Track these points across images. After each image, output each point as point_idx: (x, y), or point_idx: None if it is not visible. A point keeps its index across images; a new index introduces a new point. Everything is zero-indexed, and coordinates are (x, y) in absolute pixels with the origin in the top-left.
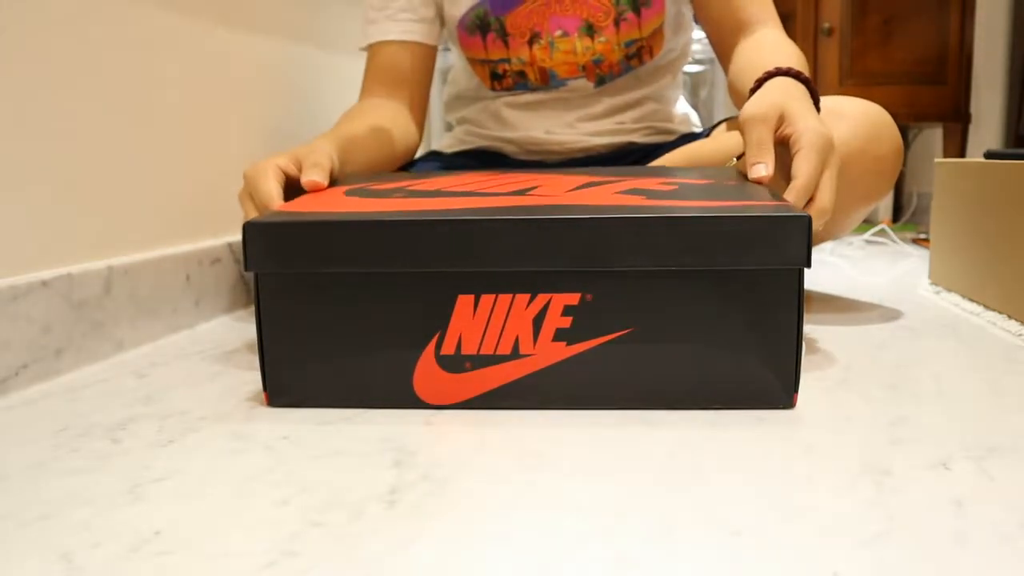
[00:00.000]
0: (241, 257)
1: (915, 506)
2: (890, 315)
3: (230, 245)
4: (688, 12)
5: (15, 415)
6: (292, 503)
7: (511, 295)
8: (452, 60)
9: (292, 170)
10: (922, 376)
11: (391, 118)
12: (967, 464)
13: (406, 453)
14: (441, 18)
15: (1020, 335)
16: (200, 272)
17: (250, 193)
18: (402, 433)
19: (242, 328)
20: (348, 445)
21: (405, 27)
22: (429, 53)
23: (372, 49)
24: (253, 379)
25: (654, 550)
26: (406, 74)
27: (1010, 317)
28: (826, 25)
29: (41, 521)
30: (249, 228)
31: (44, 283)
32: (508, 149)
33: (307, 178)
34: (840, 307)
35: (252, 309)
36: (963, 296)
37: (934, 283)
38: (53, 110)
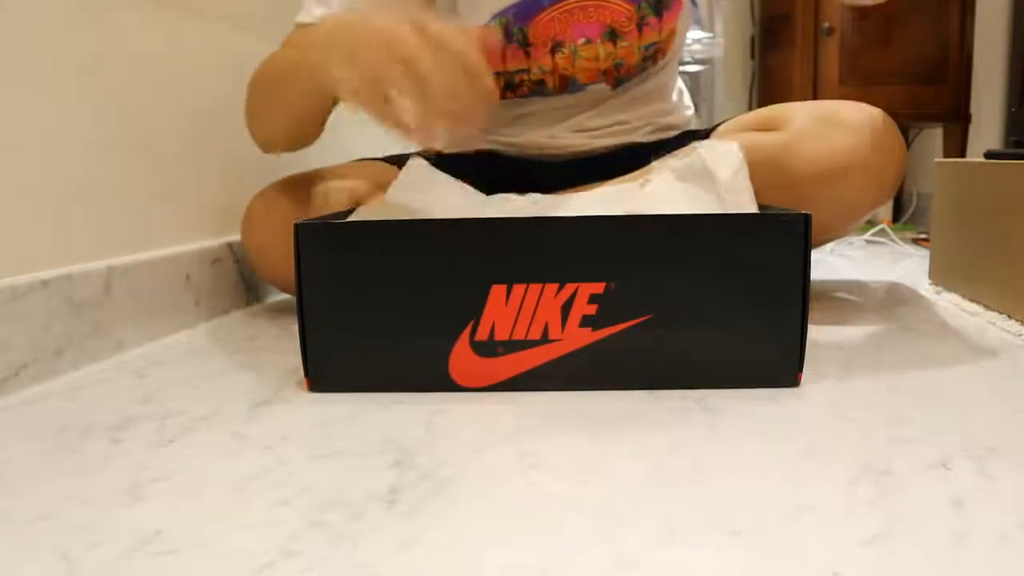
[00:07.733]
0: (241, 257)
1: (915, 506)
2: (890, 315)
3: (230, 245)
4: (691, 8)
5: (15, 415)
6: (292, 503)
7: (541, 284)
8: None
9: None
10: (922, 376)
11: None
12: (967, 464)
13: (406, 453)
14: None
15: (1020, 335)
16: (200, 272)
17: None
18: (402, 433)
19: (242, 328)
20: (348, 445)
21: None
22: None
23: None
24: (253, 379)
25: (654, 550)
26: None
27: (1010, 317)
28: (826, 25)
29: (41, 521)
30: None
31: (44, 283)
32: (508, 152)
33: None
34: (840, 307)
35: (251, 309)
36: (963, 296)
37: (934, 283)
38: (53, 110)
